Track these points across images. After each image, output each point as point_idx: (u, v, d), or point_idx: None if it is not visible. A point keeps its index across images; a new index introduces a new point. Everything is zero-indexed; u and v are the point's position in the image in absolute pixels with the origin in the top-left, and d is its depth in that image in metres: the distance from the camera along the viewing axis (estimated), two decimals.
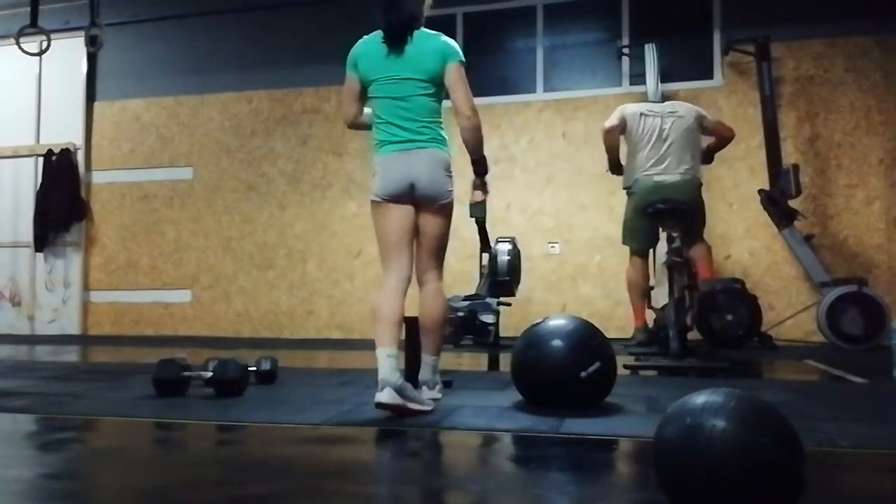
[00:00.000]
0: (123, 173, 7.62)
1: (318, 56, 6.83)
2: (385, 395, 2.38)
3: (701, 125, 4.65)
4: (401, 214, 2.69)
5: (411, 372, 3.13)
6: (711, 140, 4.80)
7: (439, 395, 2.77)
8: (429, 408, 2.54)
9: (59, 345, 6.32)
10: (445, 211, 2.73)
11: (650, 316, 4.85)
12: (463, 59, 2.74)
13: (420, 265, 2.77)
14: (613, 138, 4.68)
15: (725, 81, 6.27)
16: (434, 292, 2.75)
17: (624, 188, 4.77)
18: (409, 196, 2.67)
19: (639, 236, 4.70)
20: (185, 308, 7.35)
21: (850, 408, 2.67)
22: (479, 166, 2.87)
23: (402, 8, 2.70)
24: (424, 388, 2.73)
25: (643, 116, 4.63)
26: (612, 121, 4.66)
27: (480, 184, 2.95)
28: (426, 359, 2.77)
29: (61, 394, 3.05)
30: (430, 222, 2.72)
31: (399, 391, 2.41)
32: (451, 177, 2.72)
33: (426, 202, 2.69)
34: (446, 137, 2.73)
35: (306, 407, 2.66)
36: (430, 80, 2.68)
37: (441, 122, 2.72)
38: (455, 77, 2.70)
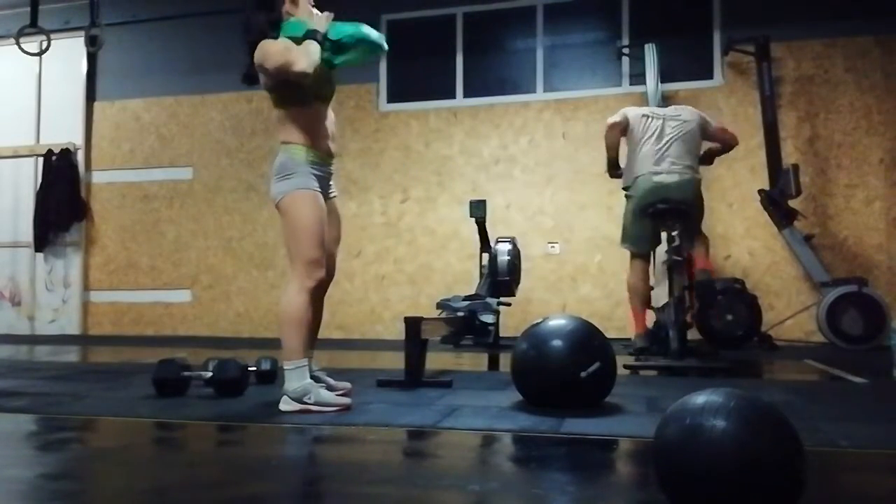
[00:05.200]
0: (123, 173, 7.62)
1: None
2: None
3: (704, 130, 4.63)
4: None
5: (410, 371, 3.13)
6: (714, 144, 4.79)
7: (289, 407, 2.56)
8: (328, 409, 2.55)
9: (59, 345, 6.31)
10: (280, 211, 2.70)
11: (650, 317, 4.84)
12: (266, 53, 2.64)
13: None
14: (615, 135, 4.66)
15: (725, 81, 6.27)
16: (284, 291, 2.69)
17: (623, 188, 4.77)
18: None
19: (639, 239, 4.66)
20: (185, 308, 7.35)
21: (850, 408, 2.66)
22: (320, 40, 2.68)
23: (248, 34, 2.76)
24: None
25: (646, 118, 4.62)
26: (615, 117, 4.66)
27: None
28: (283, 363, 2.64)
29: (61, 394, 3.05)
30: None
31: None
32: (283, 178, 2.68)
33: None
34: (289, 140, 2.71)
35: None
36: (269, 91, 2.74)
37: (287, 125, 2.73)
38: (275, 68, 2.62)
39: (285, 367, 2.59)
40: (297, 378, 2.57)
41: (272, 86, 2.70)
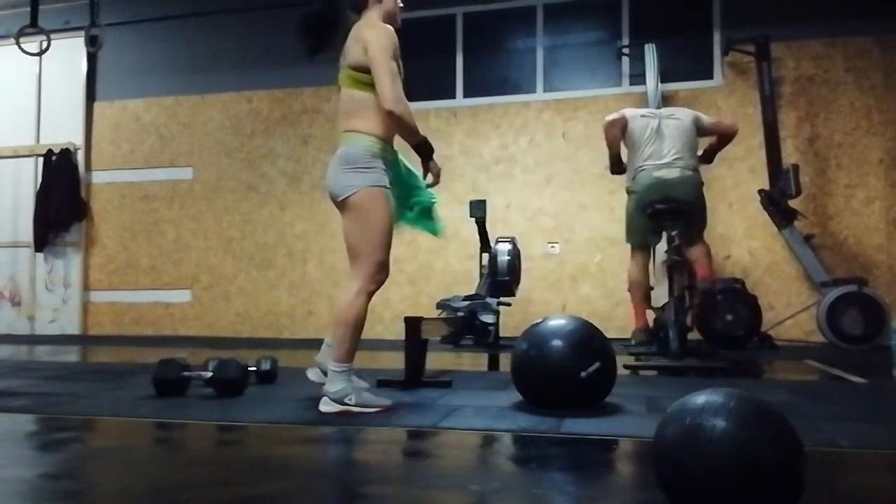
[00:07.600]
0: (123, 173, 7.62)
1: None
2: (309, 373, 2.80)
3: (698, 126, 4.65)
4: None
5: (410, 371, 3.13)
6: (713, 139, 4.80)
7: (329, 408, 2.51)
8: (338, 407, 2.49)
9: (59, 345, 6.31)
10: (348, 207, 2.53)
11: (650, 316, 4.84)
12: (383, 44, 2.50)
13: None
14: (615, 132, 4.68)
15: (725, 81, 6.27)
16: (345, 290, 2.60)
17: (626, 186, 4.78)
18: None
19: (643, 233, 4.70)
20: (185, 308, 7.35)
21: (850, 408, 2.66)
22: (420, 149, 2.64)
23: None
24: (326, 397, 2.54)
25: (645, 118, 4.65)
26: (613, 115, 4.70)
27: (426, 167, 2.71)
28: (330, 364, 2.55)
29: (61, 394, 3.05)
30: (342, 221, 2.60)
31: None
32: (355, 171, 2.50)
33: (333, 201, 2.60)
34: (362, 130, 2.53)
35: (306, 407, 2.65)
36: (355, 68, 2.56)
37: (364, 113, 2.54)
38: (373, 65, 2.48)
39: (332, 369, 2.53)
40: (340, 381, 2.52)
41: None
